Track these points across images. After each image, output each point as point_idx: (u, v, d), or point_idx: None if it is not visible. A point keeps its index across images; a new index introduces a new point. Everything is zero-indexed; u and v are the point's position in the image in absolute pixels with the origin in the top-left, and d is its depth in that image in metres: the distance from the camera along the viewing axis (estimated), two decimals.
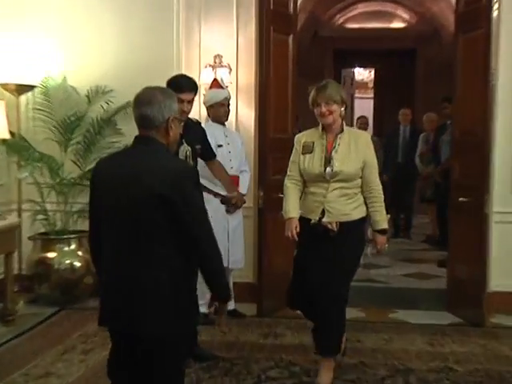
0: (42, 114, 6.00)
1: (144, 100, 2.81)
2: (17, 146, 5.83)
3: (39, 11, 6.10)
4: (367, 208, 4.06)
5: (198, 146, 4.46)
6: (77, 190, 5.90)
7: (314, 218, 4.03)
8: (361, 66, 15.04)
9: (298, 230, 4.03)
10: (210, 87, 5.44)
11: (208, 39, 5.91)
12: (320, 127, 4.10)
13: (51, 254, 5.79)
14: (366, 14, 12.37)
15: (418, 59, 12.26)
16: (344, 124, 4.09)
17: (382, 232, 4.07)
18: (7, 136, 5.53)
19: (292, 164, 4.18)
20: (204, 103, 5.44)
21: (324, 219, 4.00)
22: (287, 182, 4.17)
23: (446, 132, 7.67)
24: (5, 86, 5.90)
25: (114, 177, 2.76)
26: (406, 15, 12.36)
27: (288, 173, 4.20)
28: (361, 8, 12.33)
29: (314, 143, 4.08)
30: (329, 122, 4.01)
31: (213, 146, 5.15)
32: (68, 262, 5.79)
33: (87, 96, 5.97)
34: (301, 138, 4.16)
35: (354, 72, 13.98)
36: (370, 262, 7.91)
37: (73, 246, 5.83)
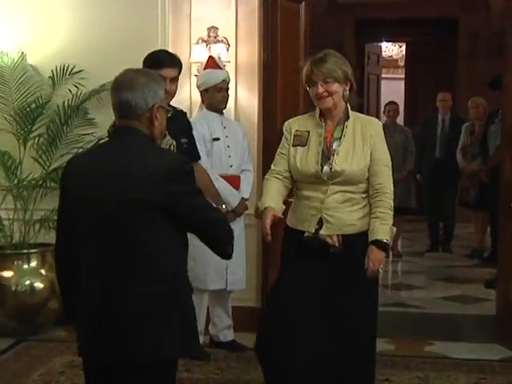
0: None
1: (124, 84, 2.85)
2: None
3: None
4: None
5: (183, 140, 4.50)
6: (39, 194, 5.92)
7: (309, 229, 3.83)
8: (389, 40, 15.07)
9: (277, 220, 3.78)
10: (205, 67, 5.46)
11: (200, 8, 5.93)
12: (317, 113, 3.92)
13: (7, 273, 5.82)
14: None
15: (461, 31, 12.24)
16: (349, 109, 3.92)
17: (380, 246, 3.78)
18: None
19: (279, 157, 3.99)
20: (197, 87, 5.46)
21: (322, 231, 3.80)
22: (268, 176, 4.00)
23: (497, 121, 7.67)
24: None
25: (89, 178, 2.81)
26: None
27: (272, 167, 4.02)
28: None
29: (309, 133, 3.89)
30: (328, 106, 3.83)
31: (208, 139, 5.18)
32: (28, 282, 5.81)
33: (51, 78, 5.99)
34: (292, 125, 3.98)
35: (380, 47, 14.00)
36: (400, 282, 7.93)
37: (34, 263, 5.86)
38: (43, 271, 5.85)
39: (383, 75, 14.29)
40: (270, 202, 3.87)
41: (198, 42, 5.89)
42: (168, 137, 4.29)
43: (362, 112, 12.19)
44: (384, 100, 11.62)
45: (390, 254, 9.11)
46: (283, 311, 3.83)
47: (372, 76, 12.92)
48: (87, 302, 2.84)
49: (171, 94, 4.30)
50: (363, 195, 3.87)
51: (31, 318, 5.84)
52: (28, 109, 5.96)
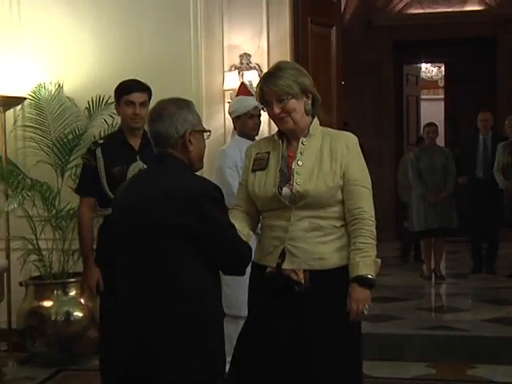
0: (34, 132, 6.11)
1: (154, 115, 2.98)
2: (3, 171, 5.92)
3: (29, 7, 6.23)
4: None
5: None
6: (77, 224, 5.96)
7: (271, 263, 3.29)
8: (428, 61, 14.99)
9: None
10: (237, 94, 5.46)
11: (232, 35, 5.96)
12: (277, 133, 3.44)
13: (47, 303, 5.86)
14: None
15: (500, 50, 12.17)
16: (316, 122, 3.40)
17: (363, 283, 3.21)
18: None
19: (239, 189, 3.51)
20: (229, 113, 5.47)
21: (284, 265, 3.25)
22: (230, 210, 3.38)
23: None
24: None
25: (127, 205, 2.99)
26: None
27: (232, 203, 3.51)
28: None
29: (269, 154, 3.39)
30: (289, 127, 3.32)
31: (240, 166, 5.16)
32: (67, 311, 5.84)
33: (87, 108, 6.06)
34: (252, 149, 3.49)
35: (419, 68, 13.94)
36: (444, 305, 7.82)
37: (73, 293, 5.90)
38: (82, 300, 5.88)
39: (423, 96, 14.22)
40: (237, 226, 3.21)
41: (230, 69, 5.92)
42: (139, 161, 4.37)
43: (401, 133, 12.19)
44: (424, 121, 11.54)
45: (433, 276, 9.04)
46: (247, 366, 3.30)
47: (411, 97, 12.86)
48: (119, 315, 2.98)
49: (142, 118, 4.35)
50: (337, 223, 3.30)
51: (71, 347, 5.86)
52: (65, 140, 6.02)
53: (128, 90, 4.40)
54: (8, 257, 6.12)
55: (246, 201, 3.41)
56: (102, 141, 4.56)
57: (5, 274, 5.60)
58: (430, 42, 12.50)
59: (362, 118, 12.13)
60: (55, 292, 5.90)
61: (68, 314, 5.84)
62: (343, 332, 3.24)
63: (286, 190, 3.27)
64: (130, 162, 4.37)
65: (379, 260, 3.30)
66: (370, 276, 3.20)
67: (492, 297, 8.20)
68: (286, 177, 3.30)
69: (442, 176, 8.90)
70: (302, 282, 3.21)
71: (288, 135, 3.38)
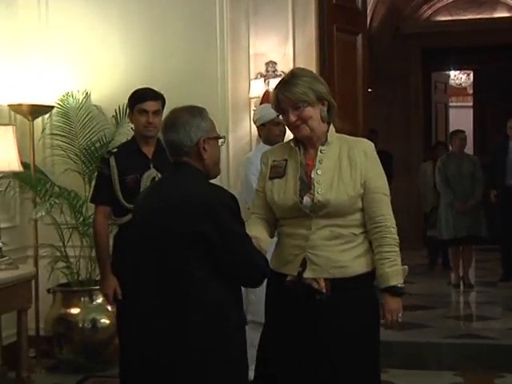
0: (61, 141, 6.15)
1: (168, 124, 2.99)
2: (31, 179, 5.97)
3: (57, 16, 6.29)
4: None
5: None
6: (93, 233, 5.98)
7: (291, 272, 3.26)
8: (456, 68, 14.91)
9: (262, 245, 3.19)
10: (261, 102, 5.49)
11: (258, 43, 5.97)
12: (293, 140, 3.41)
13: (74, 310, 5.89)
14: (461, 3, 12.28)
15: None
16: (332, 129, 3.39)
17: (395, 293, 3.28)
18: (19, 168, 5.66)
19: (256, 196, 3.47)
20: (254, 121, 5.47)
21: (305, 274, 3.23)
22: (247, 219, 3.37)
23: None
24: (17, 108, 6.06)
25: (143, 212, 3.01)
26: None
27: (251, 210, 3.51)
28: None
29: (286, 162, 3.36)
30: (305, 134, 3.30)
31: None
32: (94, 319, 5.87)
33: (114, 117, 6.09)
34: (269, 156, 3.44)
35: (447, 75, 13.88)
36: (473, 313, 7.76)
37: (99, 300, 5.89)
38: (109, 307, 5.87)
39: (452, 103, 14.16)
40: (254, 231, 3.25)
41: (256, 77, 5.92)
42: (152, 169, 4.38)
43: (430, 141, 12.09)
44: (452, 127, 11.50)
45: (461, 284, 8.97)
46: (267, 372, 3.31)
47: (439, 105, 12.81)
48: (136, 324, 3.03)
49: (156, 127, 4.36)
50: (356, 231, 3.29)
51: (98, 354, 5.88)
52: (92, 148, 6.06)
53: (141, 98, 4.41)
54: (36, 264, 6.15)
55: (264, 208, 3.39)
56: (115, 149, 4.56)
57: (33, 281, 5.67)
58: (459, 49, 12.45)
59: (391, 126, 12.10)
60: (82, 299, 5.93)
61: (95, 321, 5.86)
62: (363, 340, 3.24)
63: (306, 199, 3.24)
64: (143, 171, 4.37)
65: (406, 267, 3.32)
66: (399, 285, 3.24)
67: None
68: (306, 185, 3.27)
69: (470, 184, 8.85)
70: (324, 290, 3.19)
71: (304, 142, 3.35)
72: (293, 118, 3.25)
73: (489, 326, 7.22)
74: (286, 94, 3.24)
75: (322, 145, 3.32)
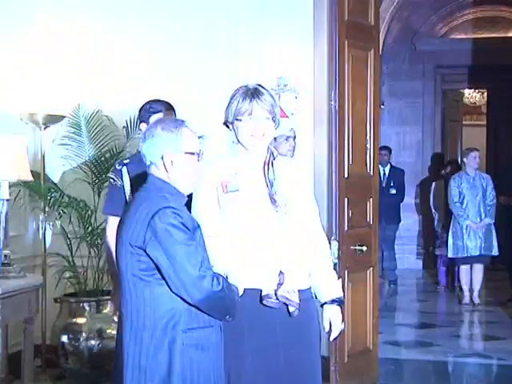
0: (71, 150, 6.16)
1: (143, 134, 3.05)
2: (41, 188, 5.98)
3: (70, 27, 6.32)
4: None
5: None
6: (104, 244, 6.00)
7: (267, 285, 3.16)
8: (471, 87, 14.89)
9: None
10: None
11: (269, 57, 5.97)
12: (236, 150, 3.30)
13: (80, 320, 5.87)
14: (476, 22, 12.29)
15: None
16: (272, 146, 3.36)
17: (339, 303, 3.37)
18: (29, 177, 5.68)
19: (207, 214, 3.23)
20: None
21: (283, 287, 3.16)
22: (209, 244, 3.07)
23: None
24: (28, 117, 6.06)
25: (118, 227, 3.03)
26: None
27: (206, 233, 3.06)
28: (468, 14, 12.28)
29: (236, 176, 3.23)
30: (261, 148, 3.24)
31: None
32: (100, 329, 5.84)
33: (125, 128, 6.08)
34: (214, 171, 3.26)
35: (461, 93, 13.85)
36: (481, 332, 7.72)
37: (106, 310, 5.89)
38: (115, 318, 5.86)
39: (466, 122, 14.13)
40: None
41: None
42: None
43: (443, 159, 12.08)
44: (465, 145, 11.48)
45: (471, 303, 8.95)
46: None
47: (452, 123, 12.78)
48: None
49: None
50: (307, 244, 3.33)
51: (104, 365, 5.85)
52: (102, 158, 6.05)
53: (157, 109, 4.40)
54: (44, 273, 6.15)
55: (219, 224, 3.23)
56: (127, 160, 4.55)
57: (40, 290, 5.67)
58: (473, 67, 12.43)
59: (404, 143, 12.11)
60: (89, 309, 5.91)
61: (101, 331, 5.83)
62: (317, 346, 3.37)
63: (273, 212, 3.21)
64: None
65: (340, 279, 3.53)
66: (341, 295, 3.40)
67: None
68: (271, 198, 3.22)
69: (483, 202, 8.83)
70: (298, 301, 3.17)
71: (249, 156, 3.28)
72: (260, 126, 3.19)
73: (497, 346, 7.21)
74: (260, 99, 3.18)
75: (272, 159, 3.32)
